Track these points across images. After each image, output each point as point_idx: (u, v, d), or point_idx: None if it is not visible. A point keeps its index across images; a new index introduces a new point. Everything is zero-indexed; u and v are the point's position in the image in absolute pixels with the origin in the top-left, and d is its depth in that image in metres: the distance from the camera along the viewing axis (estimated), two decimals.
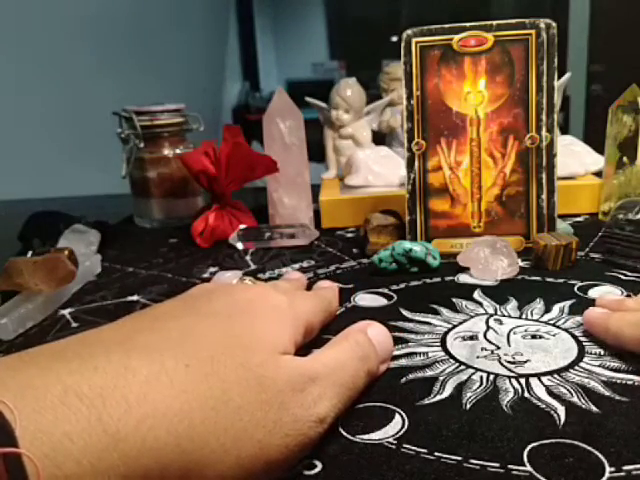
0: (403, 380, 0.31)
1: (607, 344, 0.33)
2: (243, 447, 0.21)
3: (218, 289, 0.30)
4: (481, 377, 0.31)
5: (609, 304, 0.36)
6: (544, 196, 0.49)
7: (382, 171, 0.65)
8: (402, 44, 0.49)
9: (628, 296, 0.40)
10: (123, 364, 0.20)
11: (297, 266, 0.51)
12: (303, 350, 0.29)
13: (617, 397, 0.28)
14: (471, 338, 0.35)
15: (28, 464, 0.16)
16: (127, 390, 0.19)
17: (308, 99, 0.70)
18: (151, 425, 0.19)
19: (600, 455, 0.24)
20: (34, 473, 0.16)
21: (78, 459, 0.17)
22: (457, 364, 0.32)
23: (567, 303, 0.40)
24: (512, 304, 0.40)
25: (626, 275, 0.44)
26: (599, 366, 0.31)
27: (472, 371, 0.31)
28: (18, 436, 0.16)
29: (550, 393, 0.29)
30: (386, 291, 0.44)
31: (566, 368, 0.31)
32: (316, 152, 0.71)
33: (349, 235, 0.60)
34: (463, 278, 0.45)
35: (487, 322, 0.37)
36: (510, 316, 0.38)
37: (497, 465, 0.24)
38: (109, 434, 0.18)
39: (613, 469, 0.23)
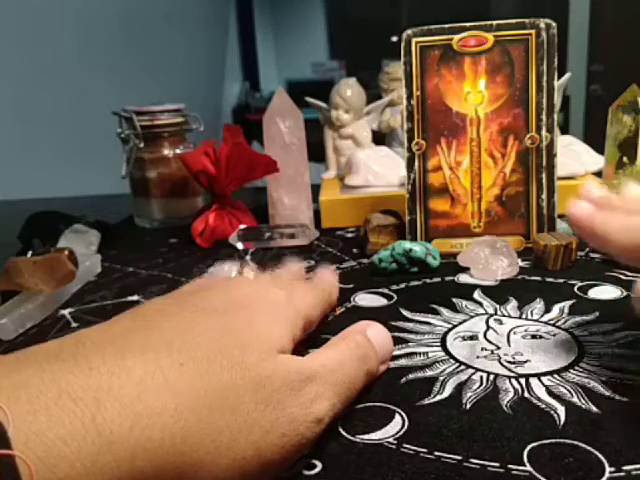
0: (403, 380, 0.31)
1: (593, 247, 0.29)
2: (239, 447, 0.21)
3: (213, 285, 0.29)
4: (481, 377, 0.31)
5: (595, 200, 0.30)
6: (544, 196, 0.49)
7: (382, 171, 0.65)
8: (402, 44, 0.49)
9: (627, 297, 0.40)
10: (117, 364, 0.20)
11: None
12: (302, 351, 0.29)
13: (617, 397, 0.28)
14: (471, 338, 0.35)
15: (21, 466, 0.16)
16: (122, 391, 0.19)
17: (308, 99, 0.70)
18: (145, 425, 0.19)
19: (600, 455, 0.24)
20: (27, 475, 0.16)
21: (72, 461, 0.17)
22: (457, 364, 0.32)
23: (567, 303, 0.40)
24: (512, 304, 0.40)
25: (626, 275, 0.44)
26: (599, 366, 0.31)
27: (472, 371, 0.31)
28: (11, 438, 0.16)
29: (550, 393, 0.29)
30: (386, 291, 0.44)
31: (566, 368, 0.31)
32: (316, 152, 0.71)
33: (349, 235, 0.60)
34: (463, 278, 0.45)
35: (487, 322, 0.37)
36: (510, 316, 0.38)
37: (497, 465, 0.24)
38: (103, 436, 0.18)
39: (613, 469, 0.23)
